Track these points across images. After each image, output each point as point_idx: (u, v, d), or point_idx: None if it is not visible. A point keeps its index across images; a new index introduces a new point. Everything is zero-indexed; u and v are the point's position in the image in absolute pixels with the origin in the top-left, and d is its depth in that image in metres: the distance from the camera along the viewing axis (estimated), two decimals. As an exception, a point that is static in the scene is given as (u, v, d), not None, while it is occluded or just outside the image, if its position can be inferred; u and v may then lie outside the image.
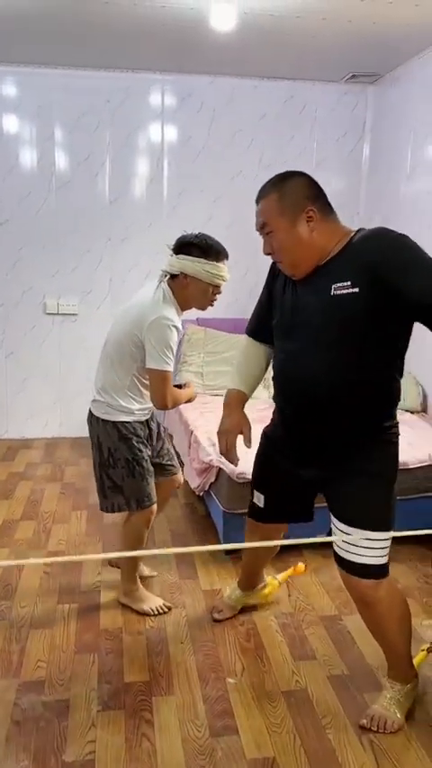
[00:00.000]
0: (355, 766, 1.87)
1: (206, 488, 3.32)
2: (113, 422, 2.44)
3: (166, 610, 2.61)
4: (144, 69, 4.53)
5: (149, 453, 2.55)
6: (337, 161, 4.90)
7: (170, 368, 2.32)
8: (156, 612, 2.59)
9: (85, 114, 4.59)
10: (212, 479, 3.24)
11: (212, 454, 3.20)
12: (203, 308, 2.49)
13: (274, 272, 2.11)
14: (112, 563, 2.91)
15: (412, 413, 4.00)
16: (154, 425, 2.63)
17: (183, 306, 2.43)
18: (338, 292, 1.78)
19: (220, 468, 3.12)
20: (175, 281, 2.39)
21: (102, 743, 1.94)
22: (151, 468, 2.53)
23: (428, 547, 3.12)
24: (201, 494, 3.41)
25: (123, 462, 2.45)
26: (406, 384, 3.99)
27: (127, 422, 2.45)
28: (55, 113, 4.57)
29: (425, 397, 4.12)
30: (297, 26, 3.58)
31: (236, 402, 2.20)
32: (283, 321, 1.98)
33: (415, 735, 1.99)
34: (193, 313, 4.82)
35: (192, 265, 2.34)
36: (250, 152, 4.79)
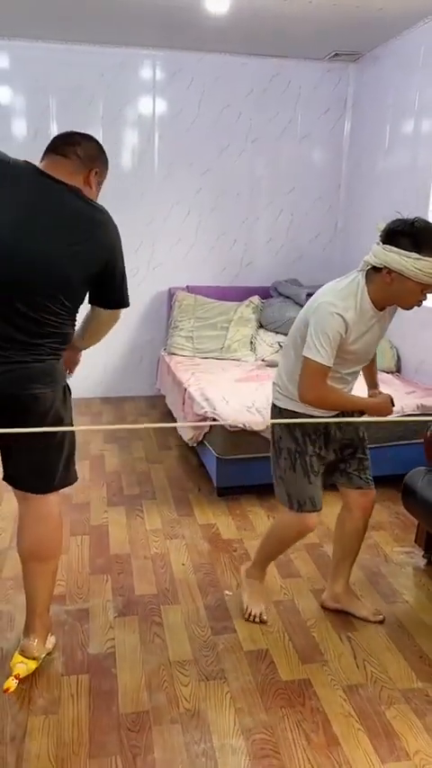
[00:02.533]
0: (335, 655, 2.23)
1: (200, 439, 3.64)
2: (281, 408, 2.25)
3: (258, 620, 2.40)
4: (136, 45, 4.73)
5: (325, 454, 2.27)
6: (320, 136, 5.17)
7: (323, 359, 2.01)
8: (250, 617, 2.40)
9: (79, 88, 4.78)
10: (206, 430, 3.56)
11: (206, 407, 3.50)
12: (409, 308, 2.11)
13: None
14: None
15: (388, 372, 4.34)
16: (339, 433, 2.28)
17: (381, 303, 2.07)
18: None
19: (213, 420, 3.43)
20: (378, 274, 2.02)
21: (120, 640, 2.27)
22: (320, 470, 2.27)
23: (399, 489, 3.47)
24: (194, 444, 3.73)
25: (286, 453, 2.24)
26: (382, 347, 4.33)
27: (295, 411, 2.20)
28: (50, 87, 4.75)
29: (398, 358, 4.46)
30: (285, 8, 3.82)
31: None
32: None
33: (384, 631, 2.35)
34: (184, 280, 5.15)
35: (399, 259, 1.94)
36: (238, 126, 5.03)
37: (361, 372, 2.33)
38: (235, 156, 5.09)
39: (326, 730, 1.90)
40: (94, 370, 5.13)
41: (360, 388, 2.35)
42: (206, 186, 5.08)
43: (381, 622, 2.41)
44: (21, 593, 2.50)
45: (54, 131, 4.81)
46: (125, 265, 2.03)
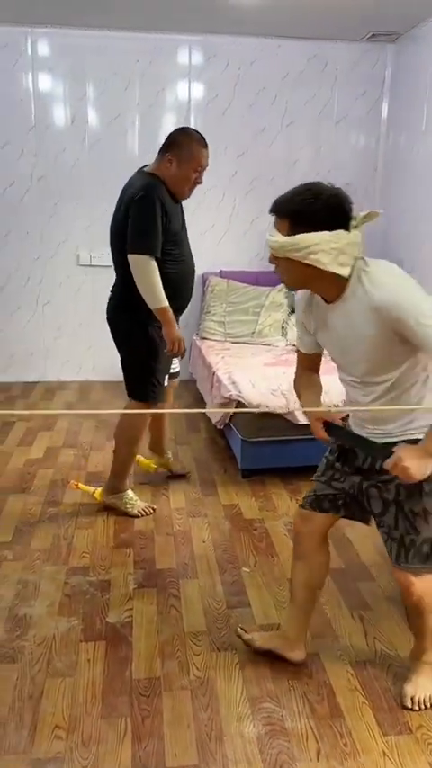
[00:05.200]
0: (346, 633, 2.27)
1: (227, 421, 3.69)
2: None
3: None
4: (172, 30, 4.75)
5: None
6: (357, 119, 5.11)
7: (297, 341, 2.01)
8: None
9: (115, 74, 4.84)
10: (231, 413, 3.61)
11: (232, 390, 3.55)
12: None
13: None
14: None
15: None
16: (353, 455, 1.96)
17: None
18: None
19: (239, 402, 3.47)
20: None
21: (138, 610, 2.36)
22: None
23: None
24: (221, 427, 3.79)
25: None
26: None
27: None
28: (87, 73, 4.83)
29: None
30: (318, -11, 3.79)
31: None
32: None
33: (397, 610, 2.37)
34: (217, 266, 5.19)
35: None
36: (273, 109, 5.02)
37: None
38: (270, 139, 5.08)
39: (330, 702, 1.94)
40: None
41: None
42: (241, 170, 5.09)
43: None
44: (47, 564, 2.63)
45: (92, 118, 4.92)
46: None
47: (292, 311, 4.95)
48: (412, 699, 1.92)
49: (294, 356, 2.06)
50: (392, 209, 4.96)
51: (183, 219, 2.92)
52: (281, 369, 3.93)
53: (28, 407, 4.67)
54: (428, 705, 1.93)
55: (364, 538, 2.80)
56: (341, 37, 4.84)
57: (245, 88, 4.96)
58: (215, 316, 4.91)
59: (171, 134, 2.86)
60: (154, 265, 2.68)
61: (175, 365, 3.26)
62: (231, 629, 2.25)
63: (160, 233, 2.69)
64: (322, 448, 2.03)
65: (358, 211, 1.68)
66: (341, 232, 1.61)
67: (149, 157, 5.14)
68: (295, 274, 1.69)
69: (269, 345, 4.70)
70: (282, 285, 4.95)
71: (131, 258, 2.70)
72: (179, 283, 2.86)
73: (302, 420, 3.30)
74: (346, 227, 1.62)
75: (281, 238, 1.64)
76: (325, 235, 1.60)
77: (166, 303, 2.72)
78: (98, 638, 2.21)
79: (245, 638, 2.15)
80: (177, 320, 2.83)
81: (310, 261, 1.61)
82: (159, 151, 2.85)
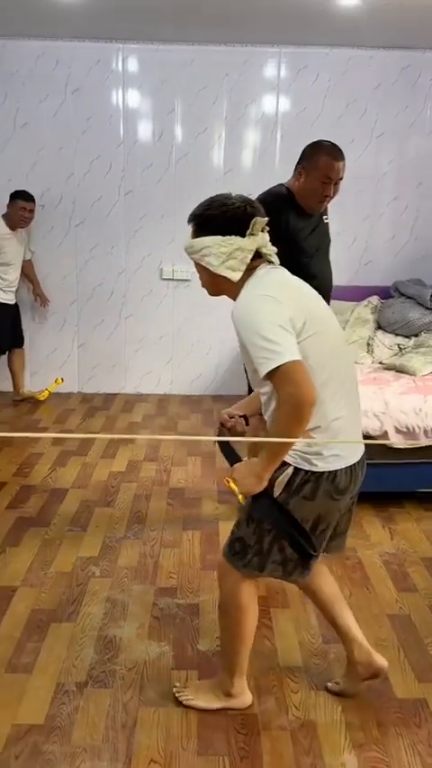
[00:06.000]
0: (454, 678, 2.10)
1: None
2: None
3: None
4: (262, 43, 4.71)
5: None
6: (451, 129, 4.92)
7: None
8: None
9: (204, 88, 4.84)
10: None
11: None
12: None
13: None
14: None
15: None
16: None
17: None
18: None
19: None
20: None
21: (229, 639, 2.26)
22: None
23: None
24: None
25: None
26: None
27: None
28: (176, 88, 4.84)
29: None
30: (419, -4, 3.66)
31: None
32: None
33: None
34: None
35: None
36: (363, 121, 4.89)
37: None
38: (359, 151, 4.94)
39: (444, 757, 1.79)
40: (206, 369, 5.21)
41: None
42: (327, 184, 4.98)
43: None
44: (135, 582, 2.58)
45: (179, 133, 4.93)
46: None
47: (378, 327, 4.79)
48: None
49: (384, 375, 1.98)
50: None
51: (321, 235, 2.88)
52: (370, 388, 3.78)
53: (108, 419, 4.69)
54: None
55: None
56: (436, 46, 4.68)
57: (334, 100, 4.85)
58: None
59: (305, 146, 2.84)
60: None
61: None
62: (330, 667, 2.13)
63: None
64: (418, 473, 1.96)
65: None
66: (234, 237, 1.69)
67: (235, 172, 5.12)
68: (203, 278, 1.80)
69: (355, 363, 4.54)
70: (367, 300, 4.82)
71: None
72: None
73: (399, 444, 3.15)
74: (243, 234, 1.70)
75: (186, 242, 1.78)
76: (217, 238, 1.70)
77: None
78: (190, 667, 2.13)
79: (336, 691, 2.02)
80: None
81: (204, 263, 1.73)
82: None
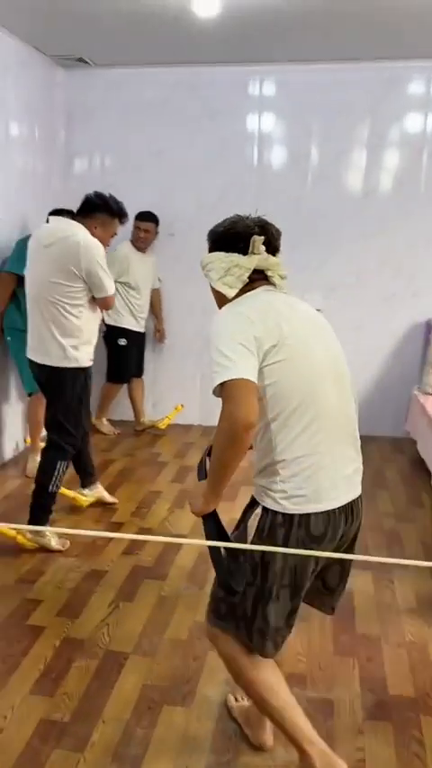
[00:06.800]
0: None
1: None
2: None
3: None
4: (406, 57, 4.34)
5: None
6: None
7: None
8: None
9: (342, 109, 4.54)
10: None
11: None
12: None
13: None
14: None
15: None
16: None
17: None
18: None
19: None
20: None
21: (371, 751, 1.89)
22: None
23: None
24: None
25: None
26: None
27: None
28: (314, 109, 4.58)
29: None
30: None
31: None
32: None
33: None
34: None
35: None
36: None
37: None
38: None
39: None
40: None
41: None
42: None
43: None
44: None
45: (314, 156, 4.65)
46: None
47: None
48: None
49: None
50: None
51: None
52: None
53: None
54: None
55: None
56: None
57: None
58: (440, 369, 4.33)
59: None
60: None
61: None
62: None
63: None
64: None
65: None
66: (235, 254, 1.69)
67: (374, 195, 4.75)
68: (213, 294, 1.77)
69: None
70: None
71: None
72: None
73: None
74: (246, 253, 1.69)
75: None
76: (220, 254, 1.72)
77: None
78: (325, 785, 1.77)
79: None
80: None
81: (208, 278, 1.73)
82: None
